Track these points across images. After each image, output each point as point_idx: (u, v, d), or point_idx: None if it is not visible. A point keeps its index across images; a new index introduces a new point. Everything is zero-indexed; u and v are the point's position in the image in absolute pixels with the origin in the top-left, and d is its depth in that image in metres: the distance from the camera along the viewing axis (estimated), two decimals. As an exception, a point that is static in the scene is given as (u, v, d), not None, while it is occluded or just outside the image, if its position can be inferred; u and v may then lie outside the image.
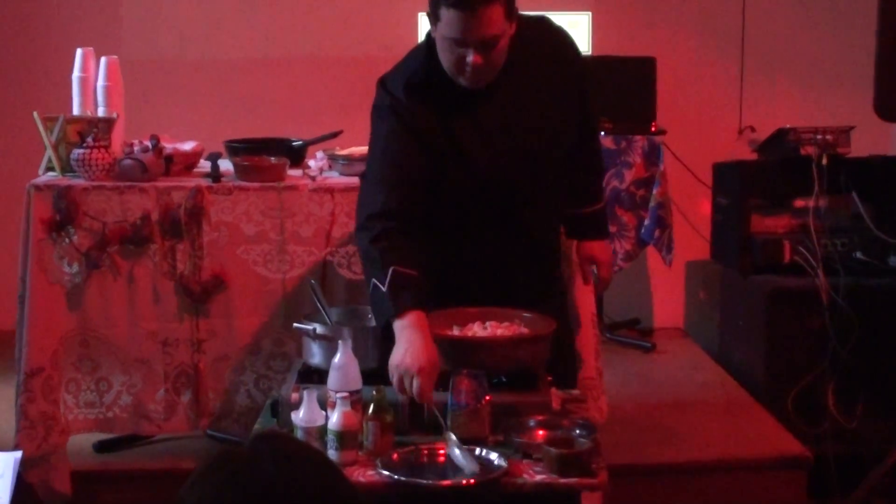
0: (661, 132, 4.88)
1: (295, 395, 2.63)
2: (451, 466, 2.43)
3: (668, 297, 5.44)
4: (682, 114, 5.17)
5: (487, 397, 2.54)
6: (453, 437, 2.47)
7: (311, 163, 3.79)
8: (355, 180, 3.63)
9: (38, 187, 3.58)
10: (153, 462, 3.76)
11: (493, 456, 2.44)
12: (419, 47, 2.88)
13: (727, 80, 5.35)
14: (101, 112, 3.81)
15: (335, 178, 3.71)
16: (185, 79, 5.27)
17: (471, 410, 2.52)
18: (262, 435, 1.50)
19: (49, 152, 3.71)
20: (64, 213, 3.55)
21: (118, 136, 3.78)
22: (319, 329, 2.79)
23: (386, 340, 2.64)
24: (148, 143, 3.68)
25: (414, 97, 2.78)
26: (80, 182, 3.59)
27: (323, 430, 2.48)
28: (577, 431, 2.56)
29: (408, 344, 2.53)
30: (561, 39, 2.94)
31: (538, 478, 2.39)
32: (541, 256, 3.00)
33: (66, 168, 3.67)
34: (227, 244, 3.59)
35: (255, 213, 3.59)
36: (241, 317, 3.62)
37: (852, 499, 3.83)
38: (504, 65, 2.76)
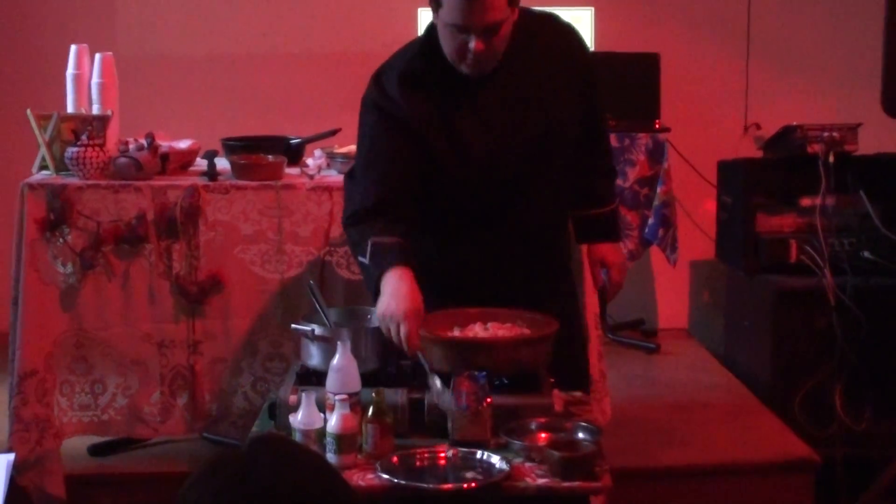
0: (665, 130, 4.88)
1: (293, 398, 2.63)
2: (451, 470, 2.43)
3: (672, 297, 5.44)
4: (686, 111, 5.17)
5: (489, 399, 2.54)
6: (437, 378, 2.57)
7: (310, 161, 3.79)
8: (354, 179, 3.63)
9: (31, 186, 3.58)
10: (149, 466, 3.76)
11: (495, 459, 2.44)
12: (418, 37, 2.90)
13: (732, 77, 5.35)
14: (95, 110, 3.81)
15: (334, 176, 3.71)
16: (180, 76, 5.27)
17: (472, 413, 2.52)
18: (260, 438, 1.50)
19: (43, 150, 3.71)
20: (58, 212, 3.55)
21: (113, 134, 3.78)
22: (318, 330, 2.79)
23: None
24: (143, 141, 3.68)
25: (410, 84, 2.80)
26: (74, 181, 3.60)
27: (322, 432, 2.48)
28: (580, 434, 2.56)
29: (392, 292, 2.61)
30: (569, 36, 2.95)
31: (540, 481, 2.39)
32: (545, 255, 2.99)
33: (60, 167, 3.67)
34: (224, 244, 3.59)
35: (253, 213, 3.59)
36: (238, 318, 3.62)
37: (861, 502, 3.83)
38: (507, 55, 2.77)
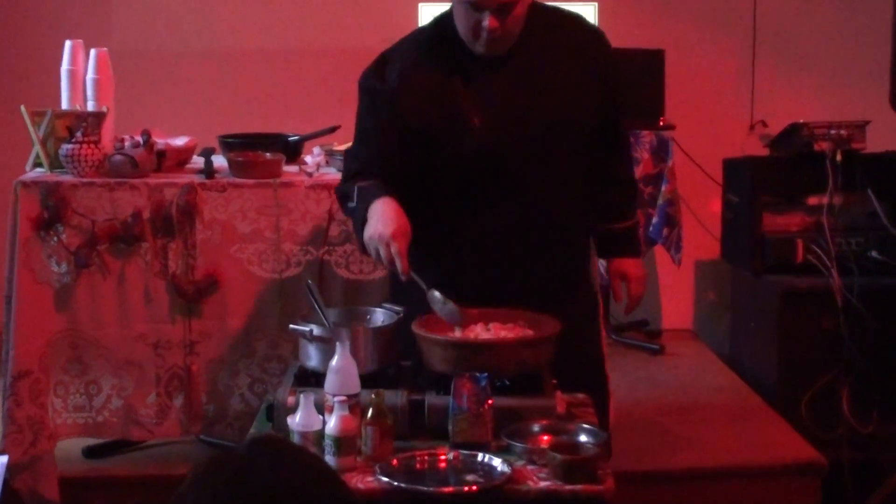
0: (670, 127, 4.88)
1: (291, 399, 2.63)
2: (452, 473, 2.44)
3: (676, 297, 5.44)
4: (691, 108, 5.17)
5: (490, 401, 2.54)
6: (436, 293, 2.69)
7: (308, 159, 3.80)
8: (353, 177, 3.64)
9: (25, 184, 3.58)
10: (144, 468, 3.76)
11: (496, 462, 2.44)
12: (435, 17, 2.97)
13: (738, 74, 5.35)
14: (90, 106, 3.82)
15: (333, 174, 3.71)
16: (177, 72, 5.27)
17: (473, 415, 2.52)
18: (259, 439, 1.51)
19: (37, 148, 3.71)
20: (52, 210, 3.55)
21: (108, 131, 3.78)
22: (316, 331, 2.79)
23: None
24: (139, 139, 3.68)
25: (414, 66, 2.88)
26: (68, 178, 3.60)
27: (320, 435, 2.48)
28: (583, 436, 2.56)
29: (379, 216, 2.72)
30: (592, 37, 3.00)
31: (542, 484, 2.39)
32: (556, 255, 2.98)
33: (55, 164, 3.67)
34: (221, 243, 3.59)
35: (250, 211, 3.59)
36: (235, 318, 3.62)
37: (868, 506, 3.84)
38: (523, 43, 2.84)
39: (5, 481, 2.50)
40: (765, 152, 4.91)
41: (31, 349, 3.55)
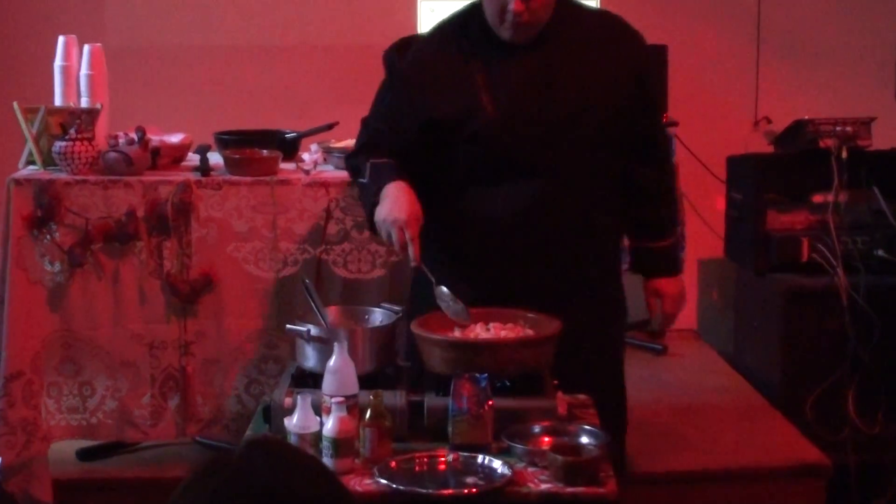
0: (673, 124, 4.87)
1: (288, 400, 2.63)
2: (452, 475, 2.44)
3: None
4: (694, 104, 5.16)
5: (490, 402, 2.54)
6: (444, 289, 2.75)
7: (305, 156, 3.80)
8: (351, 174, 3.64)
9: (18, 182, 3.58)
10: (139, 470, 3.77)
11: (497, 464, 2.45)
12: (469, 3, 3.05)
13: (742, 69, 5.35)
14: (84, 103, 3.81)
15: (330, 171, 3.72)
16: (172, 68, 5.26)
17: (472, 416, 2.52)
18: (256, 440, 1.51)
19: (30, 145, 3.71)
20: (45, 208, 3.55)
21: (102, 128, 3.78)
22: (314, 331, 2.79)
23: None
24: (133, 136, 3.68)
25: (438, 42, 2.97)
26: (62, 176, 3.60)
27: (317, 436, 2.48)
28: (585, 438, 2.56)
29: (393, 200, 2.81)
30: (628, 38, 3.03)
31: (544, 487, 2.40)
32: (570, 253, 2.98)
33: (48, 161, 3.67)
34: (217, 241, 3.59)
35: (246, 209, 3.59)
36: (231, 318, 3.62)
37: (874, 509, 3.84)
38: (554, 35, 2.89)
39: (-2, 484, 2.50)
40: (769, 149, 4.91)
41: (23, 350, 3.55)
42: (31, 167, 3.72)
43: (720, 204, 5.02)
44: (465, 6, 3.03)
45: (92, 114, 3.71)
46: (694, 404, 4.43)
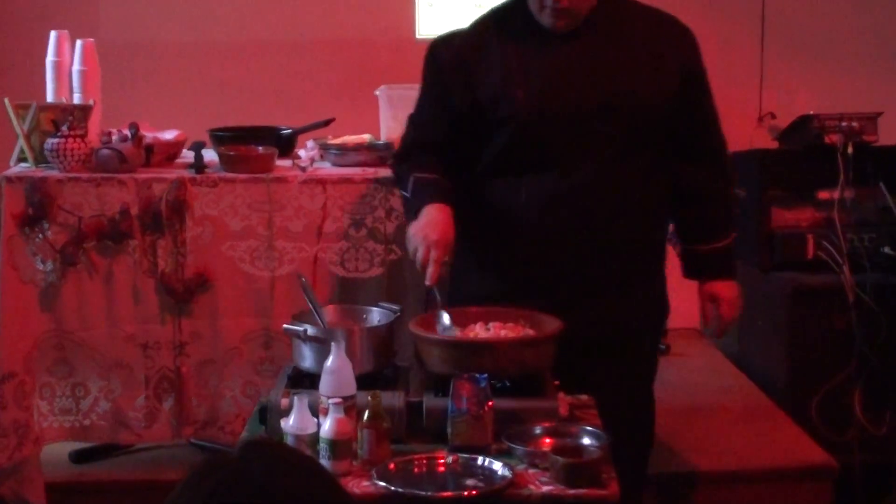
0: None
1: (285, 401, 2.63)
2: (451, 477, 2.44)
3: (683, 295, 5.38)
4: (698, 100, 5.16)
5: (490, 403, 2.54)
6: (445, 315, 2.76)
7: (302, 153, 3.80)
8: (348, 171, 3.64)
9: (9, 179, 3.58)
10: (133, 473, 3.77)
11: (497, 466, 2.45)
12: None
13: (746, 64, 5.35)
14: (76, 99, 3.82)
15: (327, 168, 3.72)
16: (166, 63, 5.27)
17: (472, 417, 2.52)
18: (252, 442, 1.51)
19: (21, 142, 3.71)
20: (37, 206, 3.55)
21: (95, 125, 3.78)
22: (311, 331, 2.79)
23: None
24: (127, 132, 3.68)
25: (480, 31, 3.02)
26: (54, 174, 3.60)
27: (315, 438, 2.48)
28: (586, 439, 2.56)
29: (430, 219, 2.87)
30: (678, 33, 3.09)
31: (545, 489, 2.40)
32: (612, 256, 2.99)
33: (40, 159, 3.67)
34: (212, 240, 3.59)
35: (242, 207, 3.59)
36: (226, 317, 3.62)
37: (880, 510, 3.84)
38: (594, 24, 2.92)
39: (-10, 487, 2.50)
40: (773, 145, 4.90)
41: (15, 350, 3.55)
42: (23, 164, 3.72)
43: (724, 200, 5.02)
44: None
45: (84, 110, 3.71)
46: (697, 405, 4.43)
